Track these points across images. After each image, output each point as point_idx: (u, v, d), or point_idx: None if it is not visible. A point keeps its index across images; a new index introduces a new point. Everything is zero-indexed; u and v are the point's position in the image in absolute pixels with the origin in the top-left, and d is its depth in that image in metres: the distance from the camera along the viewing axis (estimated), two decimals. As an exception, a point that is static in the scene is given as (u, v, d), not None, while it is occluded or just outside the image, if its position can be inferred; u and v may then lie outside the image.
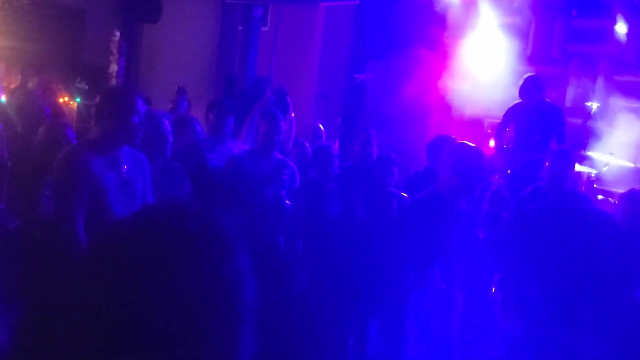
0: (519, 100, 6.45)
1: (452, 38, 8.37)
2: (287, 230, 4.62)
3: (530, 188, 4.96)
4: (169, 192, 3.80)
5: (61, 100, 8.50)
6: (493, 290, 4.62)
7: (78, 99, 9.23)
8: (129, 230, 0.92)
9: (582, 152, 6.35)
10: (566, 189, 4.50)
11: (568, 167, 4.55)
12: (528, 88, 6.35)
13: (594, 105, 6.70)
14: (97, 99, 3.38)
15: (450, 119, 8.18)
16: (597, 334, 3.84)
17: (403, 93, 7.62)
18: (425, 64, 7.78)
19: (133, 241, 0.90)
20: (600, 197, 6.21)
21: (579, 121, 6.65)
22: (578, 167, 5.98)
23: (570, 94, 7.86)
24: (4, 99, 7.23)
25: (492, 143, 7.12)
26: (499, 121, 6.77)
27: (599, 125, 6.83)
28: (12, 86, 8.69)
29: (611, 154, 6.49)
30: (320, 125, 6.95)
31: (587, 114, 6.61)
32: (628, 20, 7.34)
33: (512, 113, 6.49)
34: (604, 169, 6.47)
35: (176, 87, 9.58)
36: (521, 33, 7.94)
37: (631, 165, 6.67)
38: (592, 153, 6.52)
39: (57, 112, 6.76)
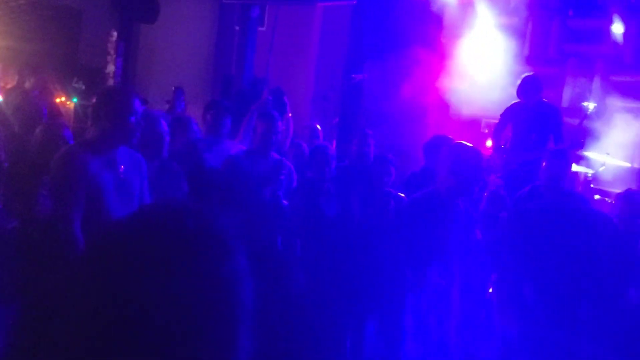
0: (517, 100, 6.45)
1: (450, 38, 8.36)
2: (285, 230, 4.62)
3: (528, 188, 4.96)
4: (166, 192, 3.80)
5: (58, 100, 8.49)
6: (491, 290, 4.62)
7: (75, 99, 9.21)
8: (126, 231, 0.92)
9: (579, 152, 6.36)
10: (563, 189, 4.50)
11: (565, 167, 4.56)
12: (525, 88, 6.35)
13: (590, 105, 6.70)
14: (94, 99, 3.39)
15: (448, 119, 8.18)
16: (595, 333, 3.86)
17: (400, 93, 7.62)
18: (422, 64, 7.77)
19: (130, 241, 0.90)
20: (597, 197, 6.22)
21: (576, 121, 6.65)
22: (575, 167, 6.00)
23: (567, 94, 7.88)
24: (0, 98, 7.21)
25: (489, 143, 7.11)
26: (496, 121, 6.77)
27: (596, 125, 6.85)
28: (9, 86, 8.65)
29: (608, 154, 6.51)
30: (318, 126, 6.94)
31: (583, 114, 6.61)
32: (625, 21, 7.35)
33: (510, 113, 6.49)
34: (601, 168, 6.49)
35: (173, 88, 9.57)
36: (518, 33, 7.95)
37: (628, 165, 6.69)
38: (589, 153, 6.54)
39: (54, 112, 6.76)
